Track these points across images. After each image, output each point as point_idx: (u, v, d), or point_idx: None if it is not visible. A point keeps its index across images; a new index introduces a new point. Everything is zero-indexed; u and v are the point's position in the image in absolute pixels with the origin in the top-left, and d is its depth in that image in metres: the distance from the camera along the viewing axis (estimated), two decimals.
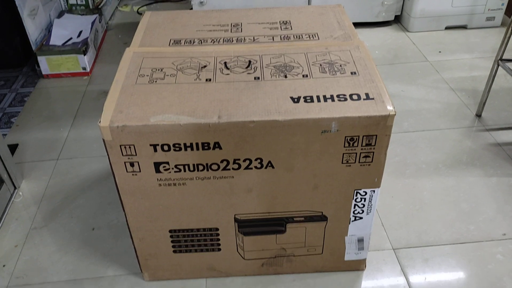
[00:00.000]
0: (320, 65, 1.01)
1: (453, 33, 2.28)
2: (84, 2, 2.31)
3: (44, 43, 2.01)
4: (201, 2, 1.84)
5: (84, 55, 1.96)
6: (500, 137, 1.58)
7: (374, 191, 0.99)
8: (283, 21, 1.22)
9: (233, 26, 1.20)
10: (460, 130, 1.62)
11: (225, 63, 1.03)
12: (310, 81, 0.96)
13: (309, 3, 2.16)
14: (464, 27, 2.32)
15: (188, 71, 1.00)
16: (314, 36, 1.14)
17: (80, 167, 1.50)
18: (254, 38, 1.14)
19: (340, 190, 0.98)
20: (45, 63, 1.96)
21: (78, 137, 1.64)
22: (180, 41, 1.13)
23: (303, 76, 0.97)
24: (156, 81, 0.96)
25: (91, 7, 2.33)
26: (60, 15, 2.25)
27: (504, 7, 2.26)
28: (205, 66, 1.01)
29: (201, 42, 1.12)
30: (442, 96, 1.81)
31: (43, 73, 1.99)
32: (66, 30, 2.11)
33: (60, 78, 1.99)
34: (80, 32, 2.10)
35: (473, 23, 2.30)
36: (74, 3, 2.31)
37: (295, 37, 1.14)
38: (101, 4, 2.42)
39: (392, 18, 2.35)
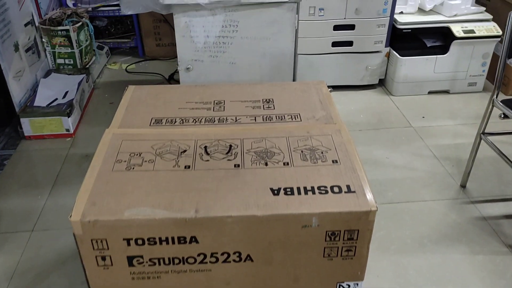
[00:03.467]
0: (302, 151, 1.00)
1: (436, 98, 2.33)
2: (72, 62, 2.33)
3: (28, 104, 1.99)
4: (187, 68, 1.86)
5: (68, 117, 1.95)
6: (485, 209, 1.57)
7: (357, 284, 0.95)
8: (266, 99, 1.22)
9: (216, 103, 1.20)
10: (445, 202, 1.61)
11: (205, 147, 1.01)
12: (291, 170, 0.94)
13: (294, 76, 2.11)
14: (446, 91, 2.36)
15: (167, 157, 0.98)
16: (296, 117, 1.14)
17: (55, 239, 1.44)
18: (236, 118, 1.14)
19: (321, 283, 0.94)
20: (28, 125, 1.94)
21: (55, 206, 1.59)
22: (161, 120, 1.12)
23: (284, 164, 0.96)
24: (133, 168, 0.94)
25: (79, 66, 2.35)
26: (47, 74, 2.26)
27: (485, 73, 2.32)
28: (185, 151, 1.00)
29: (183, 122, 1.12)
30: (426, 165, 1.81)
31: (26, 134, 1.96)
32: (51, 90, 2.11)
33: (43, 139, 1.97)
34: (66, 92, 2.10)
35: (455, 88, 2.35)
36: (62, 62, 2.32)
37: (277, 117, 1.14)
38: (90, 63, 2.44)
39: (376, 81, 2.40)
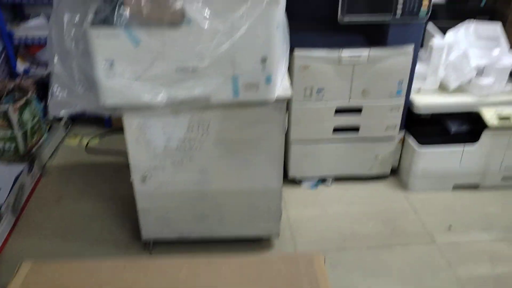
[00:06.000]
0: None
1: (464, 196, 1.87)
2: (13, 147, 1.88)
3: None
4: (143, 177, 1.42)
5: None
6: None
7: None
8: None
9: None
10: None
11: None
12: None
13: (285, 170, 1.50)
14: (475, 186, 1.91)
15: None
16: None
17: None
18: None
19: None
20: None
21: None
22: None
23: None
24: None
25: (21, 152, 1.90)
26: None
27: None
28: None
29: None
30: None
31: None
32: None
33: None
34: None
35: (486, 182, 1.89)
36: (0, 148, 1.88)
37: None
38: (37, 145, 1.99)
39: (388, 172, 1.95)
